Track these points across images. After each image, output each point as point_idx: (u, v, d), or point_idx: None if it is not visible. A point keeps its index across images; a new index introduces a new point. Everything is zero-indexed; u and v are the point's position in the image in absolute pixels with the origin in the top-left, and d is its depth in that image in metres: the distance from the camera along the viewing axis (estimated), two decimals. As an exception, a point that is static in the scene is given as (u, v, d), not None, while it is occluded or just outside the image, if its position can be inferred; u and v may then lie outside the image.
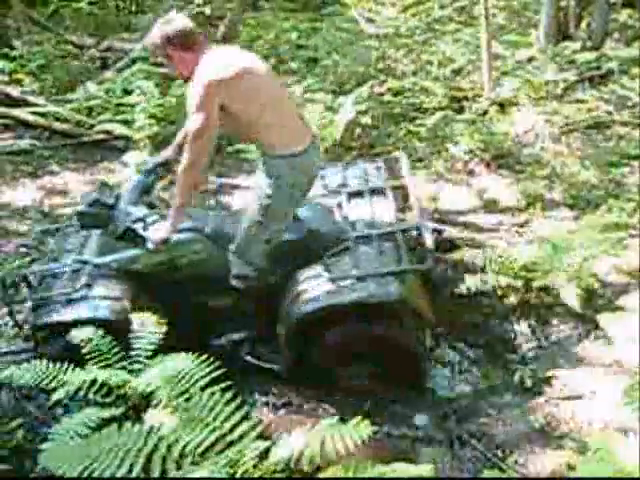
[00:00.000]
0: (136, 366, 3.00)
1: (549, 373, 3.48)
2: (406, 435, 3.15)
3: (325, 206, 3.62)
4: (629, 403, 2.62)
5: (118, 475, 2.42)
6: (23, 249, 3.71)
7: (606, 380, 3.34)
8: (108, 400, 2.98)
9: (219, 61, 3.03)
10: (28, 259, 3.60)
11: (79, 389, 2.90)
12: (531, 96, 6.71)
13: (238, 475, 2.32)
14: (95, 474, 2.42)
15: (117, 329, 3.16)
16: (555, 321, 3.86)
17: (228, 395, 2.56)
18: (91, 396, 2.96)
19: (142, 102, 6.49)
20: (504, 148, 5.86)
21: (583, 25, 8.24)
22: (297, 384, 3.44)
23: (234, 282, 3.38)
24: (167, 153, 3.57)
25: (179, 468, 2.43)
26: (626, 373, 3.29)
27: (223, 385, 2.61)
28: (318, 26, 9.45)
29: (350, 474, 2.15)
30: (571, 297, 3.70)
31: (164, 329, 3.08)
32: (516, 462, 2.92)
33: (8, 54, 8.12)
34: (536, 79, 6.95)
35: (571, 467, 2.69)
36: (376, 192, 3.72)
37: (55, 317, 3.25)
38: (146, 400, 2.82)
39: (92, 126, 6.64)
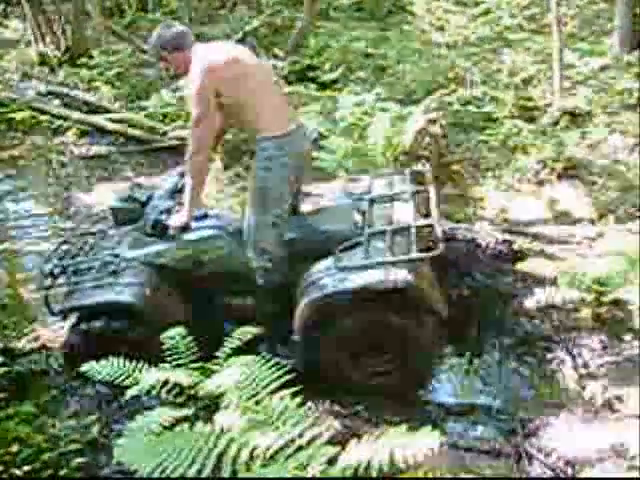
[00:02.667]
0: (209, 367, 3.07)
1: (621, 390, 3.39)
2: (473, 447, 3.12)
3: (345, 208, 3.69)
4: None
5: (189, 474, 2.48)
6: (65, 246, 3.95)
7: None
8: (180, 400, 3.07)
9: (209, 52, 3.31)
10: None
11: (153, 387, 3.00)
12: (604, 106, 6.56)
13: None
14: (167, 472, 2.47)
15: (136, 312, 3.43)
16: (628, 337, 3.76)
17: (298, 400, 2.59)
18: (164, 395, 3.06)
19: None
20: (576, 159, 5.74)
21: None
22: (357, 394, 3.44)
23: (258, 278, 3.49)
24: None
25: (248, 470, 2.47)
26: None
27: (293, 390, 2.64)
28: (387, 35, 9.47)
29: (420, 483, 2.15)
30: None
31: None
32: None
33: (87, 63, 8.42)
34: (610, 88, 6.80)
35: (644, 488, 2.62)
36: (398, 198, 3.75)
37: (82, 301, 3.50)
38: (217, 401, 2.88)
39: (165, 132, 6.84)
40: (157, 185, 4.00)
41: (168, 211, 3.58)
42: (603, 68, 7.51)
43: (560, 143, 5.89)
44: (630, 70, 7.21)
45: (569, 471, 2.90)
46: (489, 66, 7.90)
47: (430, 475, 2.17)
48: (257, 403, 2.68)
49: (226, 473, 2.49)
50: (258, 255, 3.46)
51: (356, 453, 2.35)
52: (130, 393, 2.96)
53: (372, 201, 3.74)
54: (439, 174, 5.18)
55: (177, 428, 2.72)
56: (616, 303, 3.84)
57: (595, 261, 4.13)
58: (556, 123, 6.36)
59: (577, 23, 9.19)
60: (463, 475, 2.25)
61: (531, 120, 6.55)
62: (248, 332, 3.21)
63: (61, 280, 3.65)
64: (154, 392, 3.05)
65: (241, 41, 8.91)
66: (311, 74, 8.34)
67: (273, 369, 2.76)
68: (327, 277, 3.26)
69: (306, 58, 8.70)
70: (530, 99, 7.01)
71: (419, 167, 4.27)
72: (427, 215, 3.61)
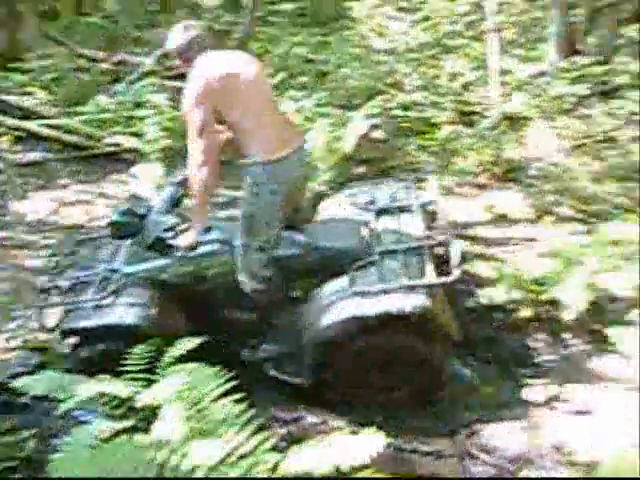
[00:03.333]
0: (152, 377, 3.01)
1: (560, 388, 3.46)
2: (417, 449, 3.13)
3: (352, 222, 3.64)
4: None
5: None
6: (54, 259, 3.79)
7: (617, 395, 3.32)
8: (120, 411, 2.99)
9: (209, 64, 3.17)
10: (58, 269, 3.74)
11: (89, 400, 2.91)
12: (541, 110, 6.72)
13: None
14: (105, 486, 2.41)
15: (143, 335, 3.21)
16: (567, 335, 3.84)
17: (241, 407, 2.56)
18: (101, 408, 2.98)
19: (153, 115, 6.53)
20: (514, 162, 5.86)
21: (592, 40, 8.26)
22: (309, 398, 3.43)
23: (253, 296, 3.42)
24: None
25: (189, 480, 2.42)
26: (636, 388, 3.26)
27: (236, 397, 2.60)
28: (328, 40, 9.50)
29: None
30: (574, 309, 3.68)
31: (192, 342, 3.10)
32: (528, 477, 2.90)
33: (21, 67, 8.18)
34: (546, 94, 6.97)
35: (583, 483, 2.68)
36: (404, 210, 3.72)
37: (83, 323, 3.32)
38: (157, 412, 2.82)
39: (103, 139, 6.68)
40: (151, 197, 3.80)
41: (171, 229, 3.41)
42: (540, 74, 7.70)
43: (498, 147, 6.01)
44: (565, 76, 7.41)
45: (510, 468, 2.94)
46: (429, 72, 8.00)
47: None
48: (199, 411, 2.63)
49: (167, 485, 2.44)
50: (248, 278, 3.39)
51: (299, 458, 2.32)
52: (64, 407, 2.87)
53: (378, 213, 3.70)
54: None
55: (115, 441, 2.65)
56: (553, 303, 3.93)
57: (533, 262, 4.22)
58: (494, 127, 6.48)
59: (515, 30, 9.41)
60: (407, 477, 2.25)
61: (470, 125, 6.65)
62: (190, 341, 3.15)
63: (55, 297, 3.52)
64: (92, 405, 2.97)
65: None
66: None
67: (215, 377, 2.72)
68: (343, 301, 3.19)
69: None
70: (469, 104, 7.14)
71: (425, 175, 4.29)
72: (432, 227, 3.63)
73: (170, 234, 3.39)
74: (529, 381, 3.53)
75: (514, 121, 6.59)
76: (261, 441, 2.40)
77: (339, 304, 3.19)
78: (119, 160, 6.55)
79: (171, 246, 3.38)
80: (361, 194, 3.97)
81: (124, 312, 3.33)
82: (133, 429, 2.85)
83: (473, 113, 6.96)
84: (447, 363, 3.37)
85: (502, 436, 3.19)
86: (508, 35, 9.05)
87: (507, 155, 5.91)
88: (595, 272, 3.87)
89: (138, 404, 2.91)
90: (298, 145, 3.33)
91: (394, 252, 3.35)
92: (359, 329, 3.15)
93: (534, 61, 8.05)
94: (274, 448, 2.38)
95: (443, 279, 3.20)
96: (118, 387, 2.94)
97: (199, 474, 2.43)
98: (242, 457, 2.41)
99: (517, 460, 3.02)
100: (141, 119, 6.64)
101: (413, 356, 3.23)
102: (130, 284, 3.47)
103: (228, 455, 2.43)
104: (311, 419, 3.30)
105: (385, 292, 3.13)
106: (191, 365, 2.87)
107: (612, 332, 3.57)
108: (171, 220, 3.42)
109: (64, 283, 3.59)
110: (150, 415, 2.91)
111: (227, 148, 3.49)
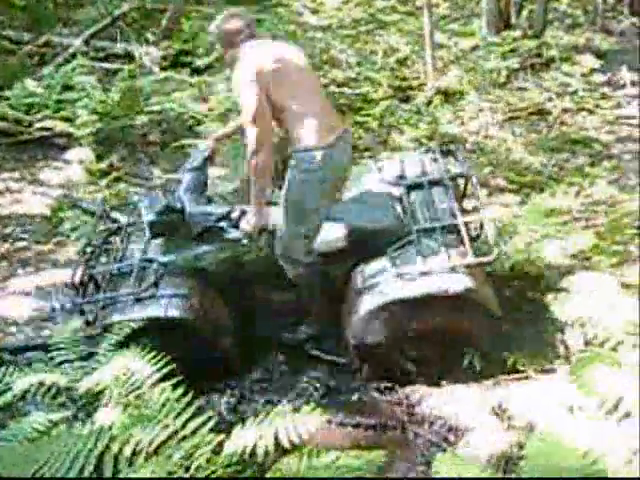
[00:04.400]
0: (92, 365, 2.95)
1: (498, 356, 3.53)
2: (360, 424, 3.16)
3: (386, 199, 3.60)
4: (575, 381, 2.69)
5: (69, 477, 2.38)
6: (88, 249, 3.65)
7: (554, 360, 3.41)
8: (58, 401, 2.93)
9: (257, 51, 3.22)
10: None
11: (26, 392, 2.85)
12: (475, 84, 6.81)
13: (192, 470, 2.30)
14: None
15: (186, 327, 3.22)
16: (503, 304, 3.91)
17: (179, 391, 2.54)
18: (39, 398, 2.92)
19: (83, 98, 6.36)
20: (449, 136, 5.93)
21: (524, 14, 8.40)
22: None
23: (295, 282, 3.43)
24: (210, 145, 3.69)
25: (131, 466, 2.40)
26: (572, 354, 3.36)
27: (174, 381, 2.58)
28: (262, 18, 9.38)
29: (303, 463, 2.16)
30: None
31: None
32: (467, 444, 2.96)
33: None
34: (479, 68, 7.06)
35: (521, 446, 2.74)
36: (435, 184, 3.67)
37: (124, 316, 3.22)
38: (96, 400, 2.78)
39: (31, 124, 6.46)
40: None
41: (225, 217, 3.43)
42: (473, 48, 7.78)
43: (434, 121, 6.07)
44: (497, 50, 7.51)
45: (451, 438, 3.00)
46: (364, 48, 7.99)
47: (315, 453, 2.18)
48: (138, 397, 2.61)
49: (108, 472, 2.42)
50: (290, 265, 3.37)
51: (241, 438, 2.33)
52: (1, 400, 2.81)
53: (409, 187, 3.64)
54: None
55: (54, 432, 2.61)
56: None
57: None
58: (430, 102, 6.55)
59: (448, 5, 9.49)
60: (349, 451, 2.27)
61: (406, 100, 6.70)
62: (126, 326, 3.10)
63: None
64: (30, 396, 2.91)
65: (111, 25, 8.60)
66: (185, 59, 8.15)
67: (153, 362, 2.69)
68: (385, 283, 3.21)
69: (179, 43, 8.48)
70: (404, 79, 7.18)
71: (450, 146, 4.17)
72: (463, 198, 3.66)
73: (225, 222, 3.42)
74: (468, 350, 3.58)
75: (449, 95, 6.66)
76: (201, 423, 2.40)
77: (381, 286, 3.21)
78: (51, 145, 6.36)
79: (227, 232, 3.40)
80: (389, 168, 3.87)
81: (167, 304, 3.25)
82: (73, 418, 2.82)
83: (409, 88, 6.99)
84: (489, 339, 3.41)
85: (444, 405, 3.24)
86: (442, 10, 9.14)
87: (443, 129, 5.96)
88: (529, 242, 3.97)
89: (79, 391, 2.87)
90: (343, 130, 3.36)
91: (432, 230, 3.36)
92: (402, 311, 3.19)
93: (468, 36, 8.13)
94: (215, 429, 2.37)
95: (485, 259, 3.28)
96: (56, 376, 2.88)
97: (140, 460, 2.42)
98: (184, 439, 2.40)
99: (458, 428, 3.08)
100: (71, 102, 6.45)
101: (457, 333, 3.29)
102: (168, 274, 3.39)
103: (169, 438, 2.43)
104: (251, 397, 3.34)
105: (427, 273, 3.17)
106: (129, 351, 2.84)
107: (548, 300, 3.67)
108: (223, 208, 3.47)
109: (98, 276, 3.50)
110: (89, 404, 2.88)
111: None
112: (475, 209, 3.61)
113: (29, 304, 4.18)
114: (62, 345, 3.16)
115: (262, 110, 3.11)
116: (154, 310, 3.24)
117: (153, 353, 2.76)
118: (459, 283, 3.15)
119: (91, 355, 3.10)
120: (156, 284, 3.32)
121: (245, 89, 3.13)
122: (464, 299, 3.18)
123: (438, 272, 3.18)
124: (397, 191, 3.63)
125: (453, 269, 3.19)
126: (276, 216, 3.43)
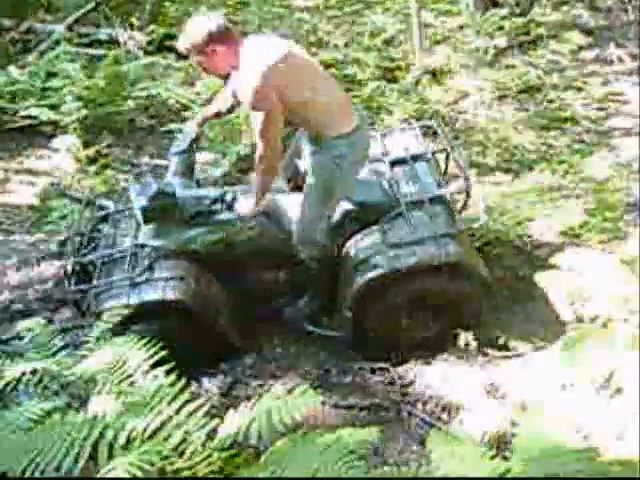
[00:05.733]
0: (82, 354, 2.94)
1: (491, 335, 3.55)
2: (353, 405, 3.17)
3: (373, 175, 3.65)
4: (566, 358, 2.71)
5: (64, 466, 2.38)
6: (77, 239, 3.63)
7: (546, 338, 3.43)
8: (51, 390, 2.92)
9: (264, 49, 3.09)
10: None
11: (18, 381, 2.83)
12: (462, 63, 6.78)
13: (187, 455, 2.29)
14: (40, 467, 2.36)
15: (184, 309, 3.22)
16: (495, 283, 3.92)
17: (172, 377, 2.53)
18: (32, 388, 2.90)
19: (69, 85, 6.28)
20: (438, 116, 5.90)
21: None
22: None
23: (308, 263, 3.44)
24: (194, 129, 3.64)
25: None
26: (564, 330, 3.38)
27: (166, 367, 2.57)
28: (247, 0, 9.29)
29: (298, 445, 2.16)
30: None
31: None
32: (461, 422, 2.98)
33: None
34: (467, 46, 7.02)
35: (514, 424, 2.76)
36: (418, 158, 3.73)
37: (121, 301, 3.21)
38: (89, 388, 2.77)
39: (16, 112, 6.37)
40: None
41: (219, 200, 3.47)
42: (460, 27, 7.73)
43: (423, 101, 6.04)
44: (485, 29, 7.46)
45: (444, 416, 3.02)
46: (351, 28, 7.93)
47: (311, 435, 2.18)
48: (131, 385, 2.60)
49: (103, 460, 2.41)
50: (309, 246, 3.38)
51: (235, 421, 2.33)
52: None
53: (393, 163, 3.70)
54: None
55: (48, 421, 2.60)
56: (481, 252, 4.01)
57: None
58: (418, 82, 6.51)
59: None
60: (343, 430, 2.28)
61: (394, 80, 6.65)
62: (118, 313, 3.09)
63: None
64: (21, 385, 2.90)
65: (95, 10, 8.49)
66: (170, 43, 8.05)
67: (144, 349, 2.68)
68: (378, 255, 3.27)
69: (165, 27, 8.38)
70: (392, 59, 7.12)
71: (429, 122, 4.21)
72: (444, 174, 3.72)
73: (219, 205, 3.45)
74: (461, 330, 3.59)
75: (437, 75, 6.62)
76: (194, 409, 2.39)
77: (375, 258, 3.26)
78: (37, 134, 6.28)
79: (212, 216, 3.44)
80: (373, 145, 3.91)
81: (164, 287, 3.25)
82: (66, 407, 2.80)
83: (397, 69, 6.95)
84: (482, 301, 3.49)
85: (436, 384, 3.26)
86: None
87: (431, 109, 5.94)
88: (519, 221, 3.98)
89: (71, 379, 2.86)
90: (362, 113, 3.45)
91: (420, 202, 3.42)
92: (397, 280, 3.25)
93: (454, 15, 8.06)
94: (208, 414, 2.37)
95: (475, 224, 3.41)
96: (48, 364, 2.87)
97: (135, 446, 2.41)
98: (178, 425, 2.40)
99: (451, 407, 3.10)
100: (56, 90, 6.37)
101: (451, 299, 3.37)
102: (161, 257, 3.40)
103: (163, 425, 2.42)
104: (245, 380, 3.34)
105: (418, 243, 3.24)
106: (120, 339, 2.83)
107: (538, 277, 3.67)
108: (216, 191, 3.50)
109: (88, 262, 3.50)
110: (82, 392, 2.87)
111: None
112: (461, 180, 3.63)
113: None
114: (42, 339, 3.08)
115: (274, 116, 3.06)
116: (151, 294, 3.23)
117: (146, 339, 2.74)
118: (450, 250, 3.23)
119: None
120: (151, 268, 3.32)
121: (257, 95, 3.00)
122: (456, 266, 3.27)
123: (429, 241, 3.25)
124: (382, 167, 3.68)
125: (443, 237, 3.26)
126: (282, 202, 3.49)
